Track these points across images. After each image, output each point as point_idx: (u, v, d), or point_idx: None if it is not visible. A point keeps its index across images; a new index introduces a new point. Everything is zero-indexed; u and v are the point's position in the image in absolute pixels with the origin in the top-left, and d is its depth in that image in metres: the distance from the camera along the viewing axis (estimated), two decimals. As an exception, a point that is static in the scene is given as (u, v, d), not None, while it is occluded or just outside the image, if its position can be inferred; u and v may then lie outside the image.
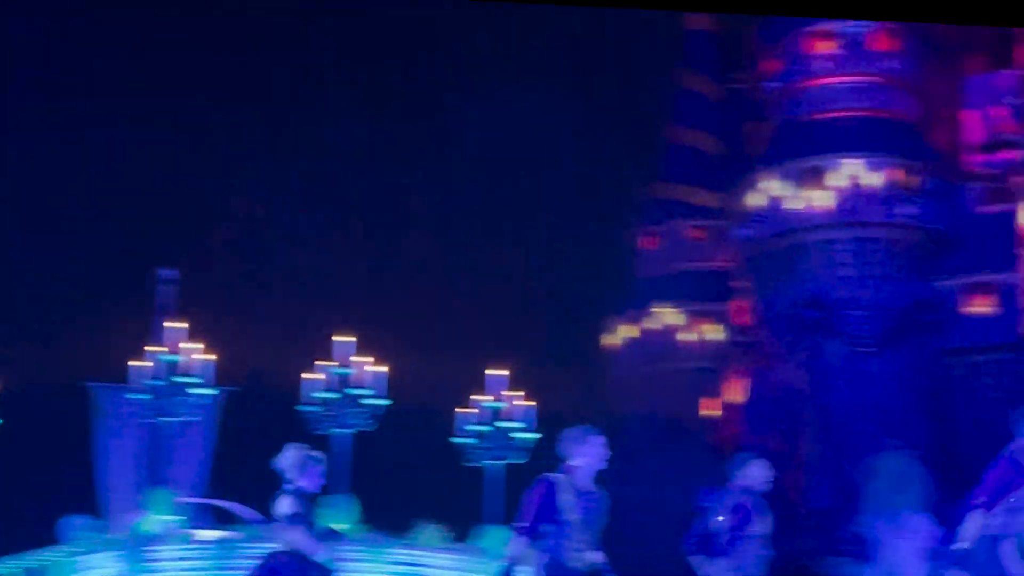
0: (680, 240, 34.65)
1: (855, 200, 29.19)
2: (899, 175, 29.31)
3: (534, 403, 22.13)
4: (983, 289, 28.85)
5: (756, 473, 10.03)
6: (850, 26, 30.41)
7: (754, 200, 30.35)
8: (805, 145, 30.05)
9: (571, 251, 32.45)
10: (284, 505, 9.60)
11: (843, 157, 29.52)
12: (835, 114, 30.26)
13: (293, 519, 9.53)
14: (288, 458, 9.80)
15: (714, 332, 33.32)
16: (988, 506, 9.14)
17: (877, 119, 30.07)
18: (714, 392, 33.13)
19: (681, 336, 33.58)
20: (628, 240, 35.02)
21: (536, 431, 21.63)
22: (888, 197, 29.14)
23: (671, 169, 35.11)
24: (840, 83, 30.43)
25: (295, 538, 9.54)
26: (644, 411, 32.35)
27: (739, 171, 31.48)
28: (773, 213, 30.01)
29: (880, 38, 30.29)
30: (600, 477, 9.08)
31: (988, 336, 28.46)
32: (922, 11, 6.22)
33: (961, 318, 28.86)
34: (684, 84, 35.65)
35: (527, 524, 8.92)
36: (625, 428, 32.10)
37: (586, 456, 9.20)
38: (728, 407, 32.07)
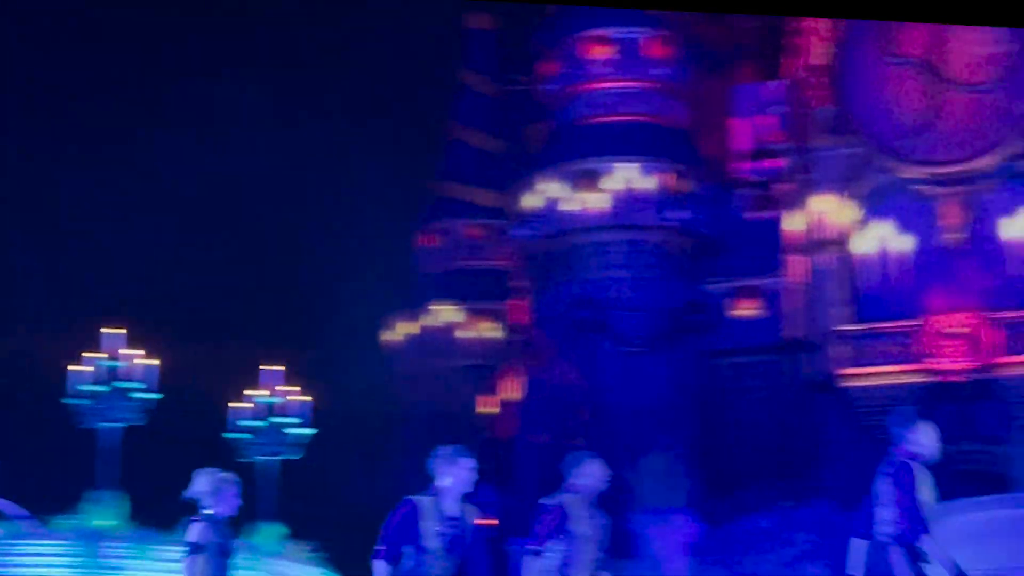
0: (459, 238, 34.87)
1: (628, 203, 29.75)
2: (671, 180, 29.98)
3: (310, 398, 21.94)
4: (749, 293, 29.71)
5: (592, 472, 9.75)
6: (625, 32, 30.98)
7: (531, 200, 30.68)
8: (581, 148, 30.50)
9: (351, 247, 32.32)
10: (192, 533, 9.21)
11: (617, 161, 30.05)
12: (610, 118, 30.78)
13: (196, 549, 9.13)
14: (201, 484, 9.36)
15: (492, 330, 33.61)
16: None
17: (651, 124, 30.69)
18: (491, 390, 33.40)
19: (460, 333, 33.78)
20: (408, 237, 35.07)
21: (312, 426, 21.45)
22: (660, 201, 29.79)
23: (451, 168, 35.29)
24: (615, 88, 30.96)
25: (200, 569, 9.14)
26: (423, 407, 32.42)
27: (517, 171, 31.79)
28: (549, 214, 30.38)
29: (654, 45, 30.94)
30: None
31: (753, 338, 29.30)
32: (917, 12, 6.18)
33: (728, 320, 29.67)
34: (465, 83, 35.85)
35: (385, 547, 8.61)
36: (404, 424, 32.16)
37: (454, 477, 8.90)
38: (505, 404, 32.37)
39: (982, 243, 27.75)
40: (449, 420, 31.63)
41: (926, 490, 8.62)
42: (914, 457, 8.72)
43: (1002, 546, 12.15)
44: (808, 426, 27.97)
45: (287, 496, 20.95)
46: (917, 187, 28.41)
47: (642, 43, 30.98)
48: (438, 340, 33.69)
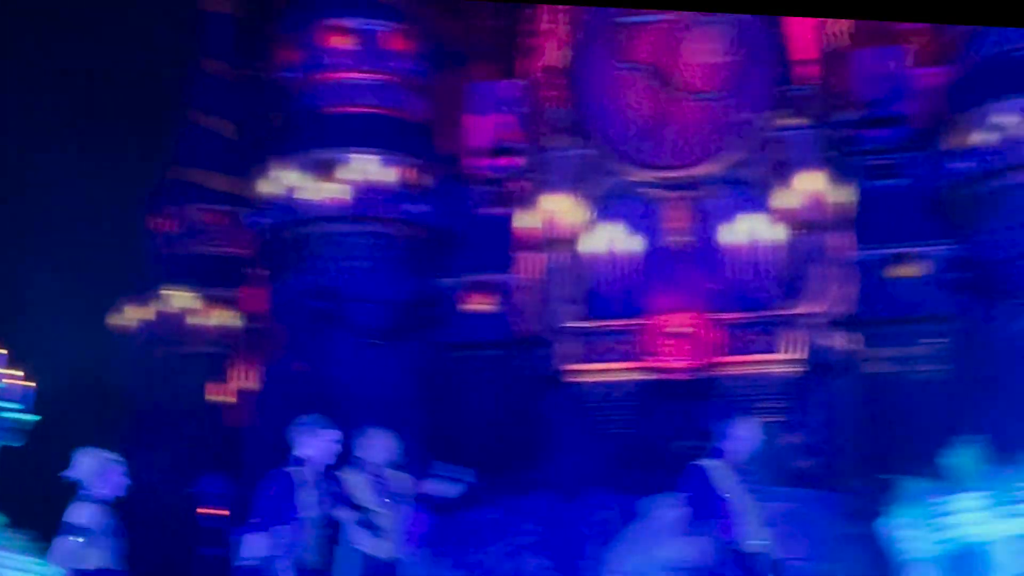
0: (196, 224, 34.40)
1: (365, 195, 29.88)
2: (408, 173, 30.24)
3: (33, 384, 21.42)
4: (483, 288, 30.23)
5: (377, 444, 9.71)
6: (366, 23, 31.09)
7: (268, 188, 30.52)
8: (319, 138, 30.48)
9: (78, 230, 31.56)
10: (77, 515, 8.72)
11: (356, 152, 30.15)
12: (349, 109, 30.85)
13: (86, 532, 8.69)
14: (84, 464, 8.89)
15: (227, 317, 33.30)
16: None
17: (389, 117, 30.88)
18: (225, 378, 33.09)
19: (194, 320, 33.34)
20: (142, 222, 34.41)
21: (35, 412, 20.96)
22: (398, 194, 30.02)
23: (188, 152, 34.78)
24: (355, 79, 31.05)
25: (85, 553, 8.70)
26: (154, 394, 31.90)
27: (256, 158, 31.55)
28: (286, 202, 30.28)
29: (395, 38, 31.15)
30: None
31: (486, 333, 29.84)
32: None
33: (462, 314, 30.14)
34: (202, 67, 35.36)
35: (260, 520, 8.43)
36: (132, 411, 31.57)
37: (315, 449, 8.83)
38: (239, 394, 32.12)
39: (705, 247, 28.92)
40: (181, 408, 31.27)
41: (733, 485, 9.08)
42: (722, 455, 9.19)
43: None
44: (536, 419, 28.67)
45: (6, 484, 20.42)
46: (645, 190, 29.40)
47: (382, 35, 31.14)
48: (171, 326, 33.20)
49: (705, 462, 9.27)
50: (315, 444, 8.80)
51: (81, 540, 8.78)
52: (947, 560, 10.59)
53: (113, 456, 9.17)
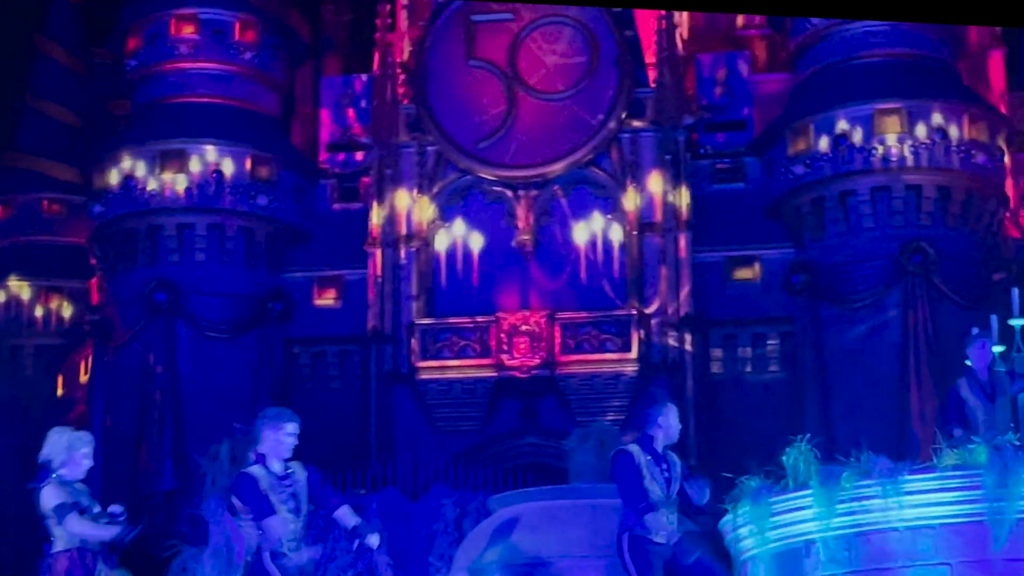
0: (34, 213, 33.73)
1: (211, 187, 29.60)
2: (256, 166, 30.02)
3: None
4: (331, 283, 30.16)
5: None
6: (214, 13, 30.80)
7: (111, 178, 30.05)
8: (165, 128, 30.11)
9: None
10: (49, 497, 8.52)
11: (202, 143, 29.85)
12: (195, 99, 30.54)
13: (59, 510, 8.49)
14: (53, 443, 8.62)
15: (66, 308, 32.71)
16: None
17: (237, 109, 30.64)
18: (65, 371, 32.51)
19: (32, 311, 32.69)
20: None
21: None
22: (244, 187, 29.79)
23: (27, 140, 34.07)
24: (202, 69, 30.74)
25: (75, 531, 8.51)
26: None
27: (99, 147, 31.05)
28: (129, 193, 29.85)
29: (244, 30, 30.89)
30: None
31: (334, 328, 29.77)
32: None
33: (310, 310, 30.02)
34: (44, 52, 34.68)
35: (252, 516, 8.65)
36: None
37: (272, 442, 8.90)
38: (78, 387, 31.60)
39: (550, 246, 29.26)
40: (18, 400, 30.66)
41: (657, 472, 9.32)
42: (653, 440, 9.39)
43: (556, 534, 13.01)
44: (383, 416, 28.71)
45: None
46: (492, 189, 29.63)
47: (231, 26, 30.87)
48: (9, 317, 32.52)
49: (632, 448, 9.49)
50: (275, 437, 8.90)
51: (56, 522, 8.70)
52: (782, 557, 10.93)
53: (82, 434, 9.05)
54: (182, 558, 18.95)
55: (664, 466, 9.61)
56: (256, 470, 8.89)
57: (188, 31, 30.68)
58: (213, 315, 29.36)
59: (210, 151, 29.80)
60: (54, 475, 8.83)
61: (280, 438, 8.90)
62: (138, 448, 28.34)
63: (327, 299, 30.08)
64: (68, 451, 8.88)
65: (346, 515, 9.16)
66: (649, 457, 9.59)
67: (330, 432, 26.89)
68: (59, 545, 8.83)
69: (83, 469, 9.03)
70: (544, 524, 13.26)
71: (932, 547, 9.85)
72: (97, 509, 9.06)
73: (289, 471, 8.99)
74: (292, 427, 8.97)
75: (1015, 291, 12.87)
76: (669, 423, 9.74)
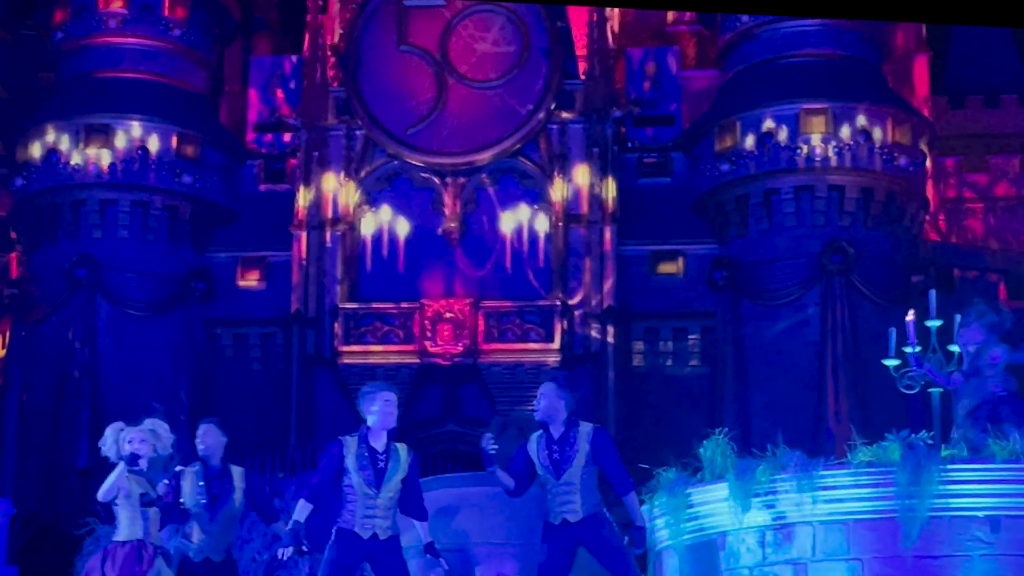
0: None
1: (137, 163, 29.36)
2: (182, 144, 29.79)
3: None
4: (255, 264, 29.98)
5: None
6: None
7: (35, 151, 29.70)
8: (91, 102, 29.80)
9: None
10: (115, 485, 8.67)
11: (128, 119, 29.59)
12: (122, 74, 30.25)
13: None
14: (108, 439, 8.81)
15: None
16: None
17: (164, 85, 30.38)
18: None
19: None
20: None
21: None
22: (171, 164, 29.57)
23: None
24: (128, 44, 30.44)
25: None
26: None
27: (22, 120, 30.64)
28: (51, 167, 29.52)
29: (173, 6, 30.60)
30: None
31: (257, 310, 29.63)
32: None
33: (234, 290, 29.84)
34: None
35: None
36: None
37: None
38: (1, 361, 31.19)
39: (476, 234, 29.32)
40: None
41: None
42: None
43: (472, 521, 13.07)
44: (304, 399, 28.63)
45: None
46: (421, 175, 29.63)
47: (160, 2, 30.59)
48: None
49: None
50: (379, 409, 9.06)
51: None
52: (697, 549, 11.06)
53: (120, 425, 9.10)
54: (96, 536, 18.79)
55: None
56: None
57: (117, 5, 30.38)
58: (134, 293, 29.13)
59: (136, 127, 29.53)
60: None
61: (384, 409, 9.14)
62: (55, 424, 28.07)
63: (251, 280, 29.92)
64: (116, 445, 9.07)
65: (424, 532, 9.46)
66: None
67: (250, 414, 26.81)
68: (122, 534, 8.98)
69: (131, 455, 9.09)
70: (462, 511, 13.30)
71: (844, 542, 10.00)
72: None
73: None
74: (390, 395, 9.26)
75: (932, 293, 13.06)
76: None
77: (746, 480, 10.44)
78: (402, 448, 9.39)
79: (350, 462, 9.16)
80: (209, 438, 10.16)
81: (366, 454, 9.19)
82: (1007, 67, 37.46)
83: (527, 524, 12.74)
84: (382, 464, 9.20)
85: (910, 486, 9.67)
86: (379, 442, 9.25)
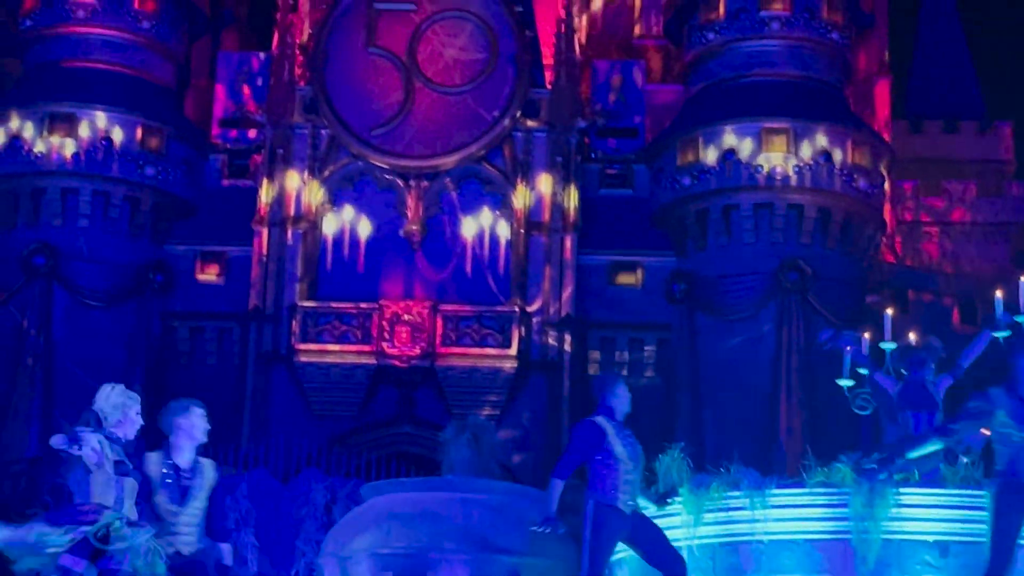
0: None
1: (100, 153, 29.26)
2: (146, 135, 29.72)
3: None
4: (215, 259, 29.95)
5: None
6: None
7: (-3, 138, 29.58)
8: (56, 90, 29.68)
9: None
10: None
11: (93, 109, 29.46)
12: (89, 64, 30.14)
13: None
14: (106, 398, 8.41)
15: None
16: None
17: (130, 77, 30.28)
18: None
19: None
20: None
21: None
22: (134, 155, 29.48)
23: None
24: (96, 34, 30.34)
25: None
26: None
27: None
28: (13, 154, 29.38)
29: (142, -2, 30.52)
30: None
31: (215, 304, 29.59)
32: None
33: (193, 284, 29.80)
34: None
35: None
36: None
37: (185, 429, 8.93)
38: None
39: (437, 238, 29.42)
40: None
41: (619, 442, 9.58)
42: (611, 412, 9.61)
43: (427, 526, 13.17)
44: (258, 396, 28.62)
45: None
46: (385, 176, 29.70)
47: (128, -6, 30.50)
48: None
49: (599, 419, 9.71)
50: (186, 424, 8.97)
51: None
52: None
53: (131, 392, 8.94)
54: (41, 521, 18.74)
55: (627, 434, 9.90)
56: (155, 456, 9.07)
57: (84, -5, 30.25)
58: (92, 282, 29.03)
59: (100, 117, 29.44)
60: (104, 432, 8.66)
61: (194, 422, 9.05)
62: (4, 412, 27.93)
63: (209, 274, 29.89)
64: (123, 409, 8.77)
65: (226, 554, 9.22)
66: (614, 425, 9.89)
67: (204, 409, 26.71)
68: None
69: (135, 429, 8.89)
70: (416, 515, 13.40)
71: (795, 562, 10.16)
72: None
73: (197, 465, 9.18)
74: (201, 411, 9.14)
75: (887, 315, 13.28)
76: (623, 395, 9.98)
77: (700, 495, 10.59)
78: (208, 464, 9.26)
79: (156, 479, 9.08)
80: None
81: (172, 472, 9.09)
82: (966, 94, 37.94)
83: (480, 532, 12.85)
84: (187, 482, 9.10)
85: (864, 509, 9.83)
86: (184, 459, 9.16)
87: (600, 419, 9.72)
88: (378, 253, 29.22)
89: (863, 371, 12.63)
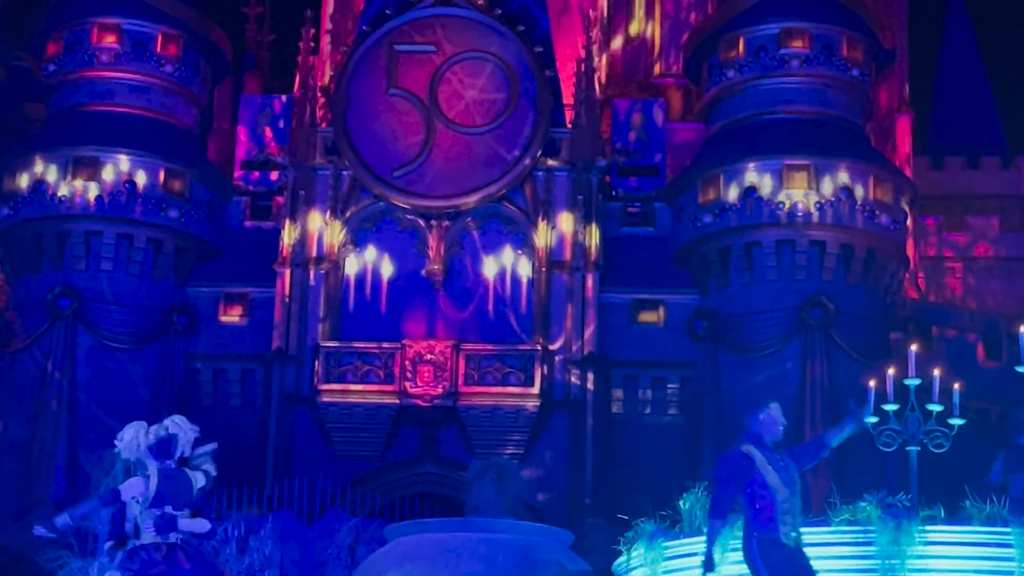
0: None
1: (124, 196, 29.40)
2: (169, 178, 29.87)
3: None
4: (238, 300, 30.03)
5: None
6: (138, 25, 30.64)
7: (22, 182, 29.77)
8: (80, 134, 29.88)
9: None
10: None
11: (116, 152, 29.63)
12: (112, 108, 30.34)
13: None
14: (181, 426, 8.64)
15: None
16: None
17: (153, 120, 30.46)
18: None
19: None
20: None
21: None
22: (157, 199, 29.62)
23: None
24: (120, 78, 30.56)
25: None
26: None
27: (10, 150, 30.66)
28: (38, 197, 29.54)
29: (166, 43, 30.71)
30: None
31: (238, 346, 29.65)
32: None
33: (216, 325, 29.86)
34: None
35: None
36: None
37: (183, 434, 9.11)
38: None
39: (459, 277, 29.46)
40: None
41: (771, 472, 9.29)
42: (760, 440, 9.35)
43: (450, 567, 13.14)
44: (282, 437, 28.63)
45: None
46: (406, 217, 29.78)
47: (153, 38, 30.72)
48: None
49: (744, 447, 9.53)
50: (183, 430, 9.17)
51: None
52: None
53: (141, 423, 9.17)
54: (69, 569, 18.78)
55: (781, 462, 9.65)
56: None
57: (109, 40, 30.50)
58: (116, 325, 29.13)
59: (123, 160, 29.62)
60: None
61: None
62: (29, 455, 27.99)
63: (232, 316, 29.97)
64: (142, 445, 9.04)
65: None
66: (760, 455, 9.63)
67: (228, 450, 26.61)
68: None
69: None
70: (439, 556, 13.38)
71: (820, 599, 10.09)
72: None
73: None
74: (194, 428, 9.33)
75: (912, 351, 13.24)
76: (774, 419, 9.79)
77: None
78: None
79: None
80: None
81: None
82: (988, 129, 37.92)
83: (504, 573, 12.81)
84: None
85: (890, 546, 9.77)
86: None
87: (746, 447, 9.40)
88: (400, 293, 29.27)
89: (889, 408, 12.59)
